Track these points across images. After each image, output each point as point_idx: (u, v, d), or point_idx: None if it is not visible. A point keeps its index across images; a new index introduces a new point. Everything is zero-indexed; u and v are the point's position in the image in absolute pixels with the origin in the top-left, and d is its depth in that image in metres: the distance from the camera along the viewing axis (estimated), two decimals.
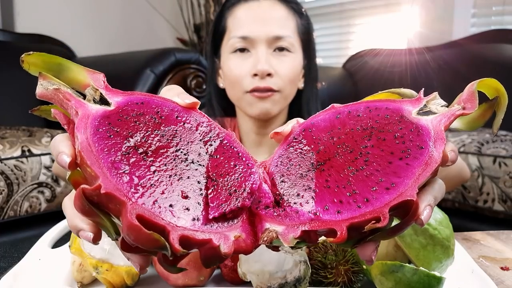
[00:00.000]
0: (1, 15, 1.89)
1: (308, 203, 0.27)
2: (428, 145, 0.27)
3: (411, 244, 0.38)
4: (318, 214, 0.26)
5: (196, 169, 0.28)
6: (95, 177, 0.24)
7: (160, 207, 0.24)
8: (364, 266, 0.40)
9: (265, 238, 0.26)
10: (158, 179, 0.25)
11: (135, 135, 0.27)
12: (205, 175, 0.27)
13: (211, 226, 0.25)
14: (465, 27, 1.70)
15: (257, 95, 0.76)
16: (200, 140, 0.29)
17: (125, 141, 0.26)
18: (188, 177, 0.27)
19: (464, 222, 1.03)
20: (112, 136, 0.26)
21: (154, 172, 0.26)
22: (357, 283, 0.41)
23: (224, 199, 0.26)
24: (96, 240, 0.26)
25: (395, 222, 0.26)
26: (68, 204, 0.27)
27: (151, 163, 0.26)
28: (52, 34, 1.89)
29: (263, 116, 0.79)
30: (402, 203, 0.25)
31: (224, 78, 0.83)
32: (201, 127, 0.30)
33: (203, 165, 0.28)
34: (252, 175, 0.28)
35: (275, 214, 0.27)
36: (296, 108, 0.84)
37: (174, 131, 0.28)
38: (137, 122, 0.27)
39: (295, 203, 0.28)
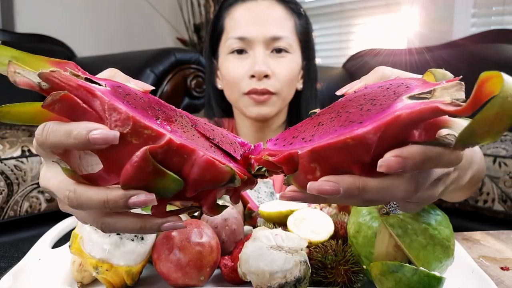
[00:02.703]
0: (1, 15, 1.89)
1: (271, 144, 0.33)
2: (363, 124, 0.25)
3: (411, 244, 0.38)
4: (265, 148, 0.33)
5: (196, 134, 0.31)
6: (155, 137, 0.25)
7: (210, 152, 0.28)
8: (364, 266, 0.40)
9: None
10: (190, 137, 0.28)
11: (146, 108, 0.28)
12: (204, 138, 0.31)
13: (236, 165, 0.31)
14: (465, 27, 1.70)
15: (255, 98, 0.75)
16: (176, 114, 0.31)
17: (147, 112, 0.27)
18: (198, 137, 0.30)
19: (464, 222, 1.03)
20: (136, 108, 0.27)
21: (184, 132, 0.28)
22: (357, 283, 0.41)
23: (233, 149, 0.32)
24: (153, 201, 0.25)
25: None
26: (88, 189, 0.26)
27: (175, 127, 0.28)
28: (52, 34, 1.89)
29: (261, 118, 0.79)
30: (285, 156, 0.27)
31: (222, 79, 0.82)
32: (166, 105, 0.33)
33: (197, 131, 0.31)
34: (228, 134, 0.35)
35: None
36: (295, 108, 0.84)
37: (161, 107, 0.30)
38: (135, 99, 0.28)
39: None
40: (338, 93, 0.34)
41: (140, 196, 0.25)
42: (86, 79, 0.27)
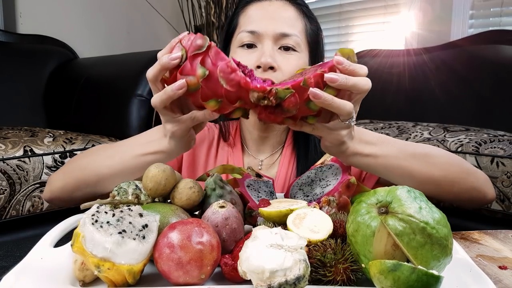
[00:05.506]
0: (3, 16, 1.89)
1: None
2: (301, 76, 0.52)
3: (409, 243, 0.39)
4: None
5: None
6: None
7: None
8: (363, 265, 0.41)
9: None
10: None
11: None
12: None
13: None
14: (463, 28, 1.71)
15: None
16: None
17: None
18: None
19: (462, 221, 1.04)
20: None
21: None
22: (356, 281, 0.42)
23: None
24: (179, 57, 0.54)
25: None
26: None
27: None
28: (54, 35, 1.90)
29: None
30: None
31: None
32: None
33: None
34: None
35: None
36: None
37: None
38: None
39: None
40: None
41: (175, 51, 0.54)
42: None
